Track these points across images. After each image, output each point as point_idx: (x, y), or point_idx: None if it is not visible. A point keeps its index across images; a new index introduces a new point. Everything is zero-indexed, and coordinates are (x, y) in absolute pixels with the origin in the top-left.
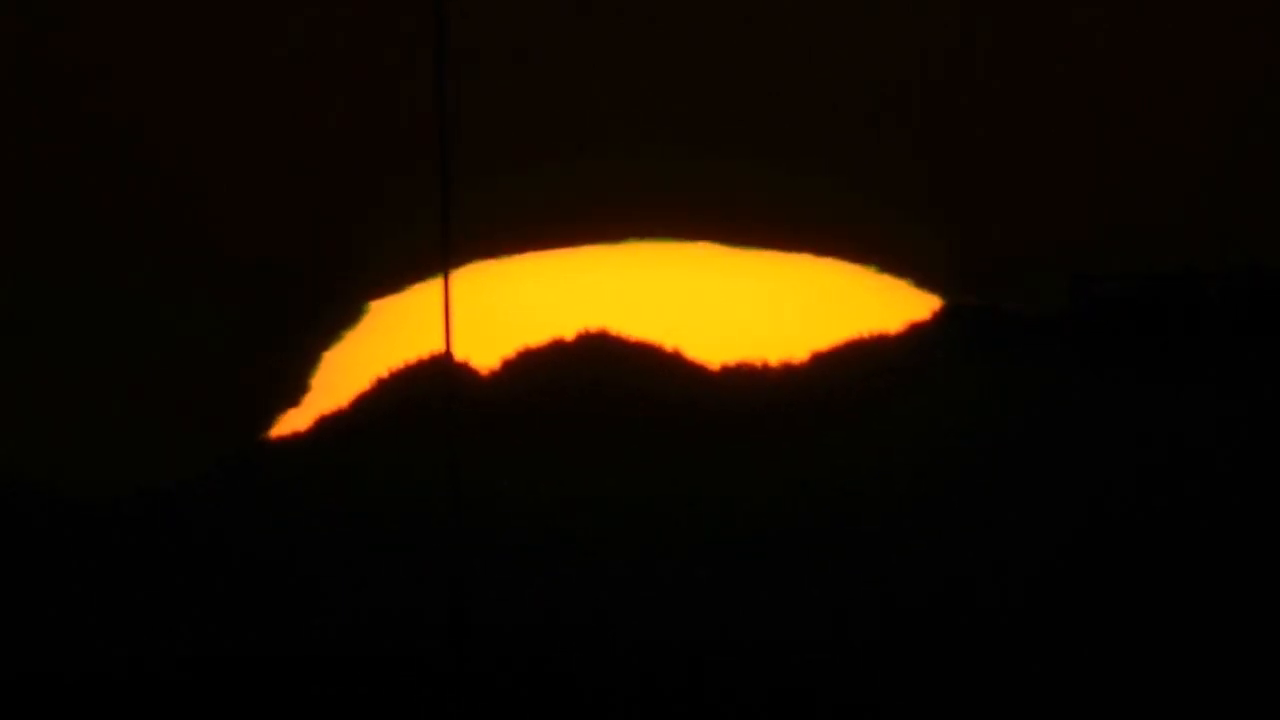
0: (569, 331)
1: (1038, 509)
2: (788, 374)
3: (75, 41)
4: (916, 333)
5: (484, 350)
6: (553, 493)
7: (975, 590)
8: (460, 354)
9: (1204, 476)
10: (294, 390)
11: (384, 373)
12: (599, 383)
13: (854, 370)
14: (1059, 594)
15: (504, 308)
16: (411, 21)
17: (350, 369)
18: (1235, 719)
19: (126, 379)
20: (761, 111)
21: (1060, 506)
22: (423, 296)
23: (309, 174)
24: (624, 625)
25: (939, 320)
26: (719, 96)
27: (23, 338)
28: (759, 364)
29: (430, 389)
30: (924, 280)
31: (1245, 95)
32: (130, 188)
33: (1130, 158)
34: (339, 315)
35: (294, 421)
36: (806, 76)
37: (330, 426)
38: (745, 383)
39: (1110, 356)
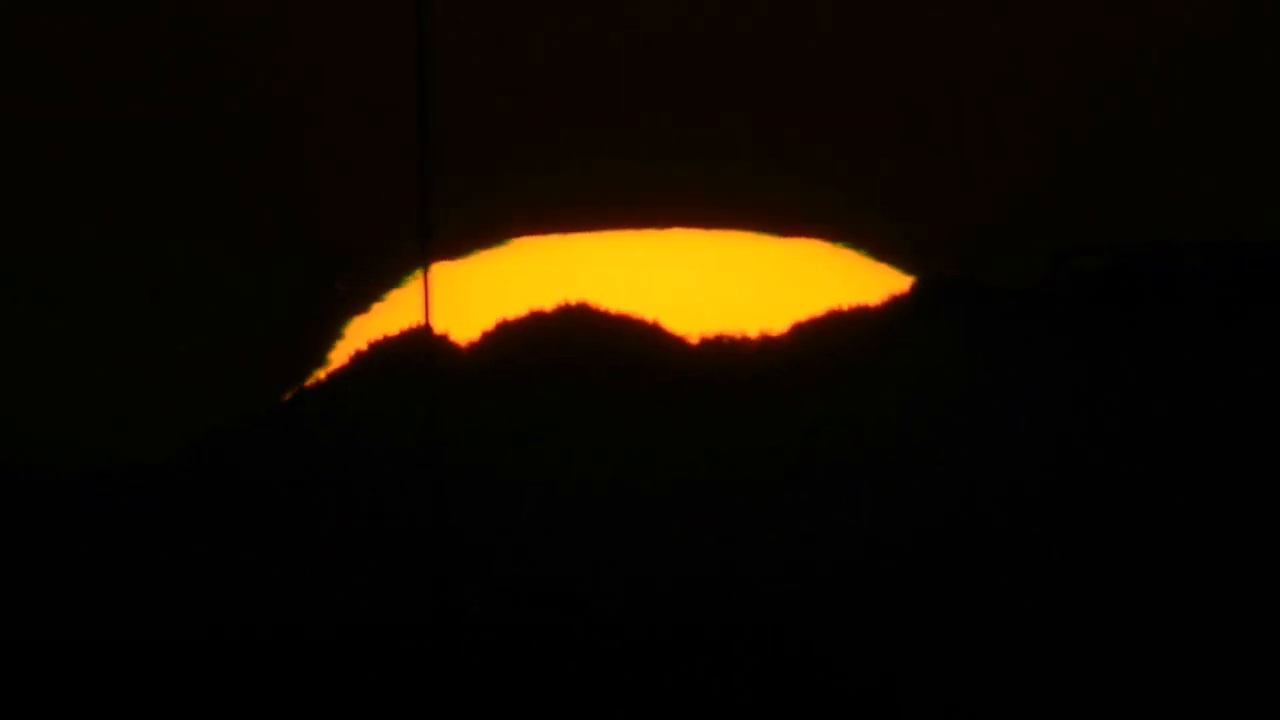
0: (548, 305)
1: (1016, 479)
2: (767, 344)
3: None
4: (897, 307)
5: (466, 325)
6: (535, 461)
7: (946, 554)
8: (443, 329)
9: (1186, 450)
10: (307, 367)
11: (364, 346)
12: (579, 350)
13: (833, 342)
14: (1035, 565)
15: (488, 290)
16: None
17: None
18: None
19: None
20: (738, 101)
21: (1038, 476)
22: (443, 276)
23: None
24: (608, 581)
25: (919, 295)
26: (695, 87)
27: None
28: (738, 335)
29: (410, 360)
30: (904, 256)
31: (1221, 66)
32: (163, 168)
33: (1105, 130)
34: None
35: (291, 397)
36: (777, 63)
37: (318, 401)
38: (725, 351)
39: (1090, 330)
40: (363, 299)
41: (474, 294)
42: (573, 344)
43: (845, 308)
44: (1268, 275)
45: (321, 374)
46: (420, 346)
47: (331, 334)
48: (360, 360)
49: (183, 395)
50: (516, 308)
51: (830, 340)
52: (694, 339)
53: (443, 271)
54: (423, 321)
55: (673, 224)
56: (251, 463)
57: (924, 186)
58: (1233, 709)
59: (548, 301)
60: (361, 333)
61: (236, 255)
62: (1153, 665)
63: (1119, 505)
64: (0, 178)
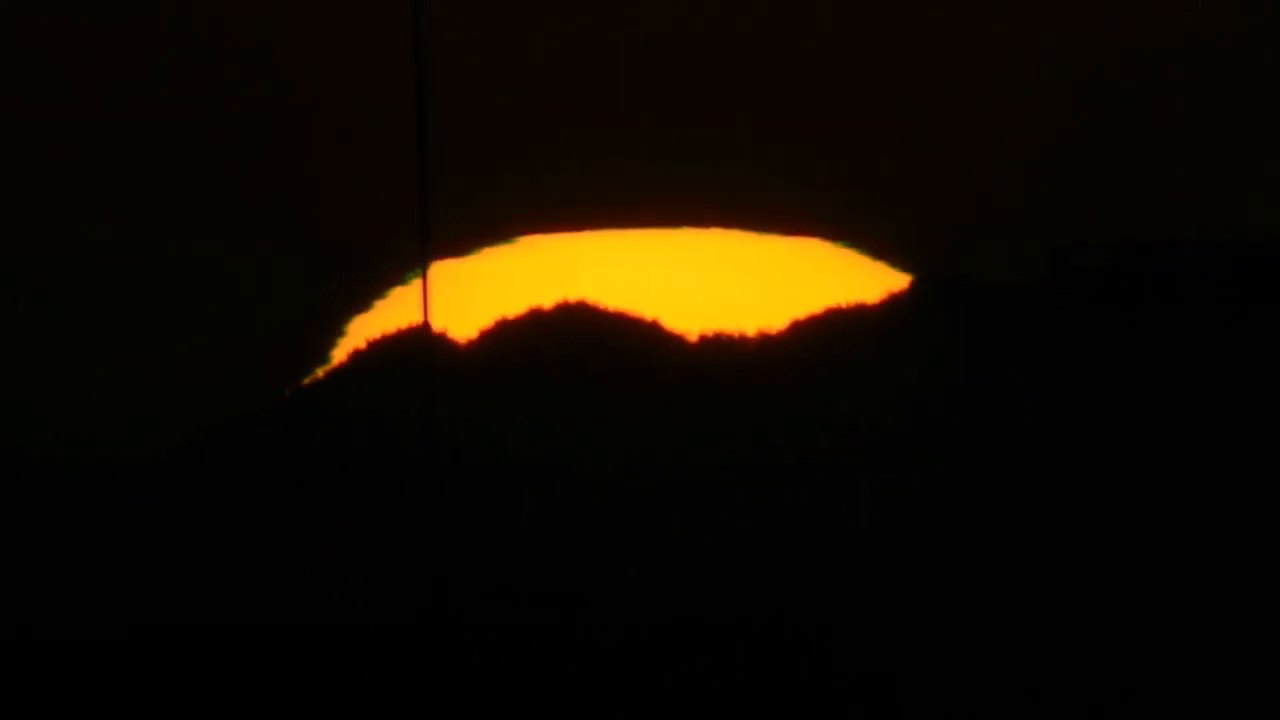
0: (548, 302)
1: (1015, 478)
2: (766, 342)
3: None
4: (896, 305)
5: (468, 322)
6: (534, 459)
7: (944, 553)
8: (444, 326)
9: (1186, 449)
10: (308, 365)
11: (363, 344)
12: (578, 348)
13: (832, 340)
14: (1035, 564)
15: (491, 287)
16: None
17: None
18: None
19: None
20: (738, 101)
21: (1038, 475)
22: (446, 273)
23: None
24: (608, 580)
25: (918, 293)
26: (695, 87)
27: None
28: (737, 333)
29: (409, 358)
30: (903, 255)
31: (1221, 66)
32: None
33: (1105, 129)
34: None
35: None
36: (777, 62)
37: (316, 400)
38: (724, 349)
39: (1090, 329)
40: (364, 297)
41: (477, 291)
42: (572, 342)
43: (844, 306)
44: (1268, 275)
45: (320, 372)
46: (420, 344)
47: (333, 332)
48: (359, 358)
49: (183, 395)
50: (517, 305)
51: (829, 338)
52: (693, 337)
53: (447, 269)
54: (422, 320)
55: (672, 223)
56: (251, 462)
57: (924, 186)
58: (1233, 708)
59: (548, 299)
60: (363, 331)
61: (236, 255)
62: (1153, 664)
63: (1119, 504)
64: (0, 178)
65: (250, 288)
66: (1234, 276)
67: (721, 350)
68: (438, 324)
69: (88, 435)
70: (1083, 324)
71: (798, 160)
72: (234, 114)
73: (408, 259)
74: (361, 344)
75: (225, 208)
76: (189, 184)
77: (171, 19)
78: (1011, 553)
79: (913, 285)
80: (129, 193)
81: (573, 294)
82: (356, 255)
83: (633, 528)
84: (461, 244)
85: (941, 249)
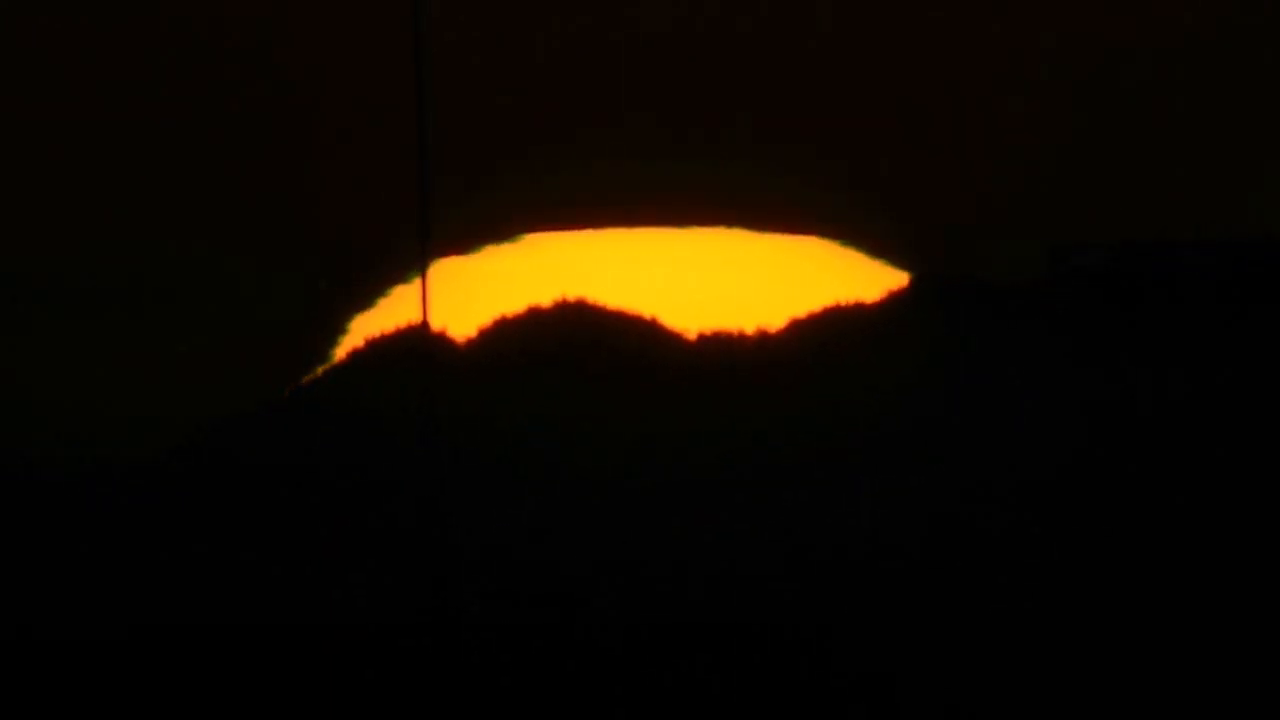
0: (547, 301)
1: (1015, 478)
2: (765, 340)
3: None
4: (895, 304)
5: (468, 321)
6: (533, 459)
7: (943, 553)
8: (444, 325)
9: (1185, 449)
10: (308, 365)
11: (361, 342)
12: (577, 346)
13: (831, 339)
14: (1035, 565)
15: (492, 286)
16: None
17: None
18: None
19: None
20: (738, 101)
21: (1037, 475)
22: (446, 271)
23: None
24: (608, 580)
25: (917, 292)
26: (695, 87)
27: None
28: (736, 332)
29: (408, 357)
30: (902, 253)
31: (1221, 66)
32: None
33: (1105, 129)
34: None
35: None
36: (777, 62)
37: (315, 399)
38: (723, 347)
39: (1089, 329)
40: (365, 296)
41: (477, 290)
42: (571, 340)
43: (843, 304)
44: (1268, 275)
45: (320, 371)
46: (419, 343)
47: (334, 331)
48: (359, 357)
49: (183, 395)
50: (516, 304)
51: (828, 338)
52: (692, 335)
53: (447, 267)
54: (422, 318)
55: (673, 223)
56: (251, 462)
57: (924, 186)
58: (1233, 708)
59: (547, 298)
60: (363, 330)
61: (236, 255)
62: (1153, 665)
63: (1119, 504)
64: (0, 178)
65: (250, 288)
66: (1234, 276)
67: (721, 350)
68: (437, 322)
69: (88, 435)
70: (1083, 324)
71: (798, 160)
72: (234, 114)
73: (408, 259)
74: (361, 343)
75: (225, 208)
76: (189, 184)
77: (171, 19)
78: (1011, 553)
79: (913, 285)
80: (129, 193)
81: (572, 293)
82: (356, 255)
83: (633, 528)
84: (462, 243)
85: (941, 249)
